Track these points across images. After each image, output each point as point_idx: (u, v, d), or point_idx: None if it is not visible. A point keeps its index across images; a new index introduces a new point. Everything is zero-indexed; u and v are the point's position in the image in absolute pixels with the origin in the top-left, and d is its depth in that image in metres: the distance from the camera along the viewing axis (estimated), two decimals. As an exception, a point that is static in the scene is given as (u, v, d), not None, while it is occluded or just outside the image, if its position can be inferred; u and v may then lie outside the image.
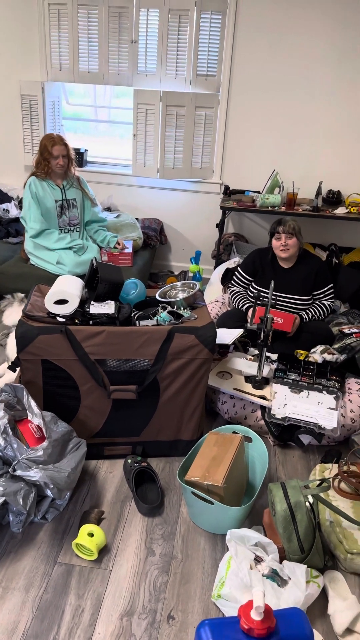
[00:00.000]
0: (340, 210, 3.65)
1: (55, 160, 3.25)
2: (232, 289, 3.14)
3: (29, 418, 1.97)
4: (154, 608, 1.66)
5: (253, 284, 3.04)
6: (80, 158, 4.18)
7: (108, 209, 4.22)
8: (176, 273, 4.47)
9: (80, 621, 1.61)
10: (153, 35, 3.79)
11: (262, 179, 3.99)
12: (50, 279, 3.22)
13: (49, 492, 1.84)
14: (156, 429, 2.26)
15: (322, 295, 2.95)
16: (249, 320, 2.83)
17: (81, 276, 2.71)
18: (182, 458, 2.27)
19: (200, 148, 4.03)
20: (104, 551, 1.84)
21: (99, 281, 2.21)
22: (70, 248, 3.38)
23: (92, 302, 2.19)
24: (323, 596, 1.71)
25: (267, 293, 2.93)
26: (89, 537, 1.80)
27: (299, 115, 3.86)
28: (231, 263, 3.76)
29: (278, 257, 2.94)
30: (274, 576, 1.66)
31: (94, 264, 2.28)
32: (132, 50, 3.85)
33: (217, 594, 1.65)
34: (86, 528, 1.83)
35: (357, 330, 2.88)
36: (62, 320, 2.07)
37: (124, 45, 3.85)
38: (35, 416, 1.93)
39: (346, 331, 2.90)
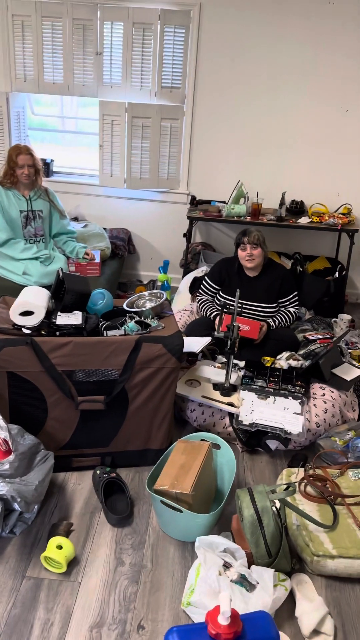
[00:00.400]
0: (304, 220, 3.75)
1: (21, 170, 3.23)
2: (200, 297, 3.18)
3: (-5, 431, 1.95)
4: (123, 618, 1.66)
5: (220, 292, 3.09)
6: (46, 168, 4.17)
7: (75, 219, 4.22)
8: (145, 282, 4.49)
9: (49, 635, 1.59)
10: (118, 48, 3.82)
11: (228, 189, 4.06)
12: (16, 289, 3.18)
13: (16, 506, 1.82)
14: (125, 439, 2.26)
15: (287, 303, 3.02)
16: (216, 328, 2.88)
17: (48, 287, 2.70)
18: (152, 467, 2.28)
19: (166, 159, 4.08)
20: (73, 563, 1.83)
21: (65, 292, 2.21)
22: (36, 258, 3.36)
23: (59, 313, 2.19)
24: (291, 599, 1.74)
25: (233, 301, 2.98)
26: (57, 549, 1.79)
27: (263, 126, 3.95)
28: (199, 272, 3.81)
29: (244, 267, 3.00)
30: (243, 581, 1.68)
31: (60, 274, 2.28)
32: (97, 61, 3.87)
33: (186, 602, 1.66)
34: (55, 541, 1.82)
35: (321, 337, 2.96)
36: (28, 331, 2.07)
37: (88, 57, 3.87)
38: (1, 429, 1.91)
39: (311, 337, 2.97)
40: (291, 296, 3.01)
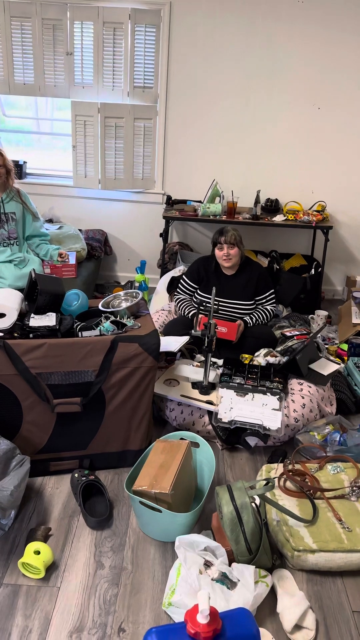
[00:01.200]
0: (279, 218, 3.77)
1: None
2: (178, 296, 3.17)
3: (-31, 437, 1.91)
4: (104, 622, 1.63)
5: (198, 291, 3.08)
6: (19, 170, 4.12)
7: (50, 221, 4.17)
8: (122, 283, 4.46)
9: (27, 643, 1.56)
10: (88, 48, 3.80)
11: (203, 188, 4.06)
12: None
13: (-9, 512, 1.78)
14: (104, 441, 2.23)
15: (264, 300, 3.03)
16: (194, 326, 2.87)
17: (23, 289, 2.66)
18: (131, 468, 2.26)
19: (140, 159, 4.06)
20: (51, 568, 1.80)
21: (38, 293, 2.18)
22: (10, 261, 3.31)
23: (32, 315, 2.15)
24: (272, 595, 1.74)
25: (210, 299, 2.98)
26: (35, 555, 1.75)
27: (236, 125, 3.96)
28: (176, 271, 3.80)
29: (221, 265, 3.00)
30: (224, 579, 1.67)
31: (33, 275, 2.25)
32: (67, 62, 3.84)
33: (167, 602, 1.64)
34: (32, 546, 1.78)
35: (298, 333, 2.97)
36: (0, 334, 2.03)
37: (59, 57, 3.84)
38: (-25, 434, 1.86)
39: (288, 334, 2.98)
40: (268, 294, 3.02)
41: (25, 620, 1.62)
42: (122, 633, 1.60)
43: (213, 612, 1.22)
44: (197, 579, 1.63)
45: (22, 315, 2.17)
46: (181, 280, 3.19)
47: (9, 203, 3.33)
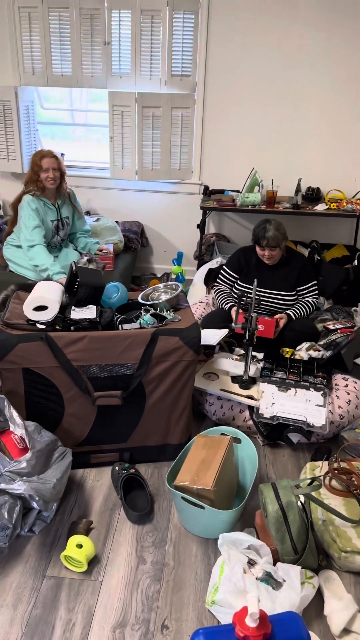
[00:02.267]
0: (320, 207, 3.65)
1: (45, 174, 3.12)
2: (218, 287, 3.11)
3: (11, 429, 1.92)
4: (147, 618, 1.62)
5: (238, 281, 3.02)
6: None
7: (87, 213, 4.18)
8: (159, 275, 4.43)
9: (71, 636, 1.56)
10: (126, 37, 3.75)
11: (241, 178, 3.97)
12: (29, 286, 3.15)
13: (34, 505, 1.79)
14: (143, 434, 2.22)
15: (305, 292, 2.94)
16: (233, 319, 2.81)
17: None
18: (171, 462, 2.24)
19: (178, 149, 4.01)
20: (93, 562, 1.80)
21: (79, 286, 2.17)
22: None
23: (73, 308, 2.14)
24: (319, 597, 1.68)
25: (251, 290, 2.91)
26: (77, 548, 1.75)
27: (276, 113, 3.85)
28: (214, 263, 3.74)
29: None
30: (268, 579, 1.63)
31: (74, 268, 2.24)
32: (105, 52, 3.81)
33: (211, 600, 1.61)
34: (74, 539, 1.78)
35: (341, 326, 2.88)
36: (42, 327, 2.03)
37: (97, 47, 3.81)
38: (18, 427, 1.87)
39: (331, 327, 2.89)
40: (310, 285, 2.93)
41: (69, 613, 1.62)
42: (166, 630, 1.58)
43: (263, 616, 1.18)
44: (242, 578, 1.60)
45: (63, 308, 2.16)
46: (221, 270, 3.13)
47: (64, 208, 3.32)
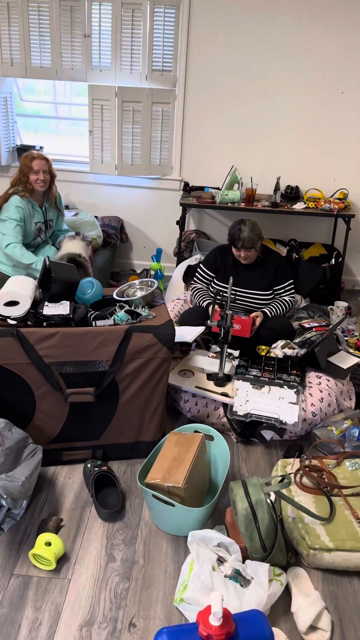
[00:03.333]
0: (299, 206, 3.67)
1: (35, 176, 3.05)
2: (195, 285, 3.11)
3: (-19, 426, 1.89)
4: (114, 616, 1.61)
5: (215, 280, 3.02)
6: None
7: (66, 207, 4.13)
8: (138, 271, 4.41)
9: (37, 635, 1.54)
10: (106, 30, 3.72)
11: (222, 175, 3.98)
12: (2, 280, 3.11)
13: (3, 502, 1.77)
14: (116, 432, 2.20)
15: (282, 291, 2.96)
16: (210, 317, 2.81)
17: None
18: (144, 460, 2.23)
19: (158, 144, 3.99)
20: (63, 560, 1.78)
21: (52, 281, 2.14)
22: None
23: (46, 303, 2.12)
24: (287, 594, 1.69)
25: (227, 289, 2.91)
26: (46, 546, 1.74)
27: (257, 110, 3.86)
28: (193, 260, 3.74)
29: None
30: (237, 576, 1.63)
31: (47, 262, 2.21)
32: (85, 44, 3.77)
33: (179, 598, 1.61)
34: (43, 537, 1.76)
35: (317, 325, 2.90)
36: (14, 322, 2.00)
37: (77, 40, 3.77)
38: (-13, 423, 1.85)
39: (306, 325, 2.91)
40: (286, 284, 2.95)
41: (35, 612, 1.61)
42: (133, 628, 1.58)
43: (226, 614, 1.18)
44: (210, 575, 1.60)
45: (36, 303, 2.13)
46: (198, 269, 3.13)
47: (49, 211, 3.27)
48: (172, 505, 1.79)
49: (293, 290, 2.98)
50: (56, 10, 3.68)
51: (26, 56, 3.83)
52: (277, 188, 3.66)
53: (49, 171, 3.09)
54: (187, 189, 3.90)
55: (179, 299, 3.32)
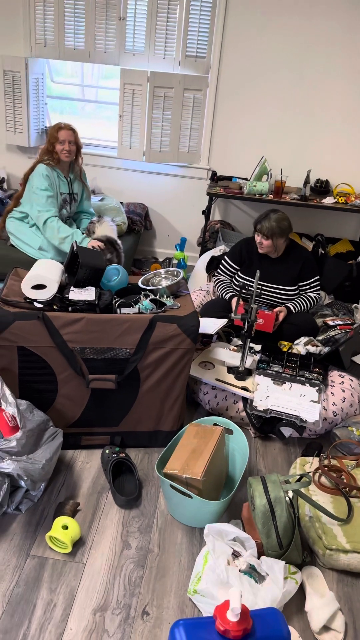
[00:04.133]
0: (328, 200, 3.61)
1: (61, 146, 3.07)
2: (218, 277, 3.08)
3: (3, 407, 1.90)
4: (128, 603, 1.62)
5: (239, 273, 2.99)
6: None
7: (92, 192, 4.12)
8: (160, 260, 4.39)
9: (51, 616, 1.56)
10: (142, 13, 3.66)
11: (250, 165, 3.92)
12: (29, 262, 3.12)
13: (22, 484, 1.78)
14: (135, 420, 2.21)
15: (307, 287, 2.92)
16: (233, 310, 2.79)
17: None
18: (162, 449, 2.24)
19: (187, 132, 3.94)
20: (78, 544, 1.80)
21: (79, 266, 2.13)
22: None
23: (72, 288, 2.12)
24: (300, 593, 1.69)
25: (252, 282, 2.88)
26: (63, 529, 1.75)
27: (290, 101, 3.79)
28: (217, 251, 3.70)
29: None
30: (252, 572, 1.63)
31: (75, 248, 2.21)
32: (119, 27, 3.72)
33: (193, 590, 1.62)
34: (60, 520, 1.78)
35: (341, 323, 2.86)
36: (40, 306, 2.00)
37: (111, 22, 3.72)
38: (9, 405, 1.86)
39: (330, 323, 2.87)
40: (312, 280, 2.91)
41: (50, 593, 1.62)
42: (146, 616, 1.59)
43: (244, 611, 1.18)
44: (225, 569, 1.59)
45: (62, 288, 2.13)
46: (222, 261, 3.10)
47: (75, 183, 3.27)
48: (190, 496, 1.79)
49: (319, 287, 2.94)
50: (92, -9, 3.64)
51: (60, 37, 3.80)
52: (307, 181, 3.60)
53: (74, 142, 3.12)
54: (215, 178, 3.86)
55: (201, 289, 3.30)
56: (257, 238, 2.80)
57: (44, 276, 2.03)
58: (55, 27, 3.78)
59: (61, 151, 3.08)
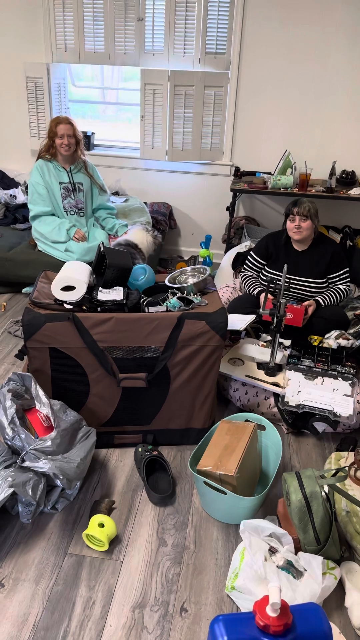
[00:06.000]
0: (355, 191, 3.55)
1: (60, 140, 3.15)
2: (244, 273, 3.06)
3: (37, 407, 1.94)
4: (166, 600, 1.63)
5: (266, 267, 2.96)
6: (87, 141, 4.10)
7: (116, 193, 4.15)
8: (186, 258, 4.40)
9: (91, 613, 1.58)
10: (160, 13, 3.67)
11: (274, 159, 3.88)
12: (58, 265, 3.17)
13: (58, 482, 1.81)
14: (167, 417, 2.21)
15: (337, 279, 2.87)
16: (261, 305, 2.77)
17: (90, 264, 2.66)
18: (194, 447, 2.24)
19: (209, 129, 3.93)
20: (115, 542, 1.81)
21: (106, 267, 2.15)
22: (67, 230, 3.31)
23: (100, 289, 2.13)
24: (340, 588, 1.67)
25: (280, 277, 2.86)
26: (99, 527, 1.77)
27: (312, 93, 3.73)
28: (242, 247, 3.68)
29: (292, 240, 2.86)
30: (289, 568, 1.62)
31: (102, 249, 2.22)
32: (138, 28, 3.74)
33: (230, 586, 1.61)
34: (97, 518, 1.80)
35: (372, 315, 2.80)
36: (70, 307, 2.02)
37: (130, 24, 3.74)
38: (44, 405, 1.89)
39: (362, 316, 2.82)
40: (342, 272, 2.86)
41: (89, 591, 1.64)
42: (185, 613, 1.59)
43: (284, 606, 1.17)
44: (263, 565, 1.58)
45: (90, 289, 2.15)
46: (248, 257, 3.08)
47: (77, 174, 3.32)
48: (224, 493, 1.79)
49: (348, 279, 2.89)
50: (110, -6, 3.66)
51: (80, 41, 3.84)
52: (332, 173, 3.54)
53: (73, 135, 3.17)
54: (238, 174, 3.83)
55: (227, 286, 3.28)
56: (294, 223, 2.76)
57: (73, 277, 2.05)
58: (75, 32, 3.82)
59: (61, 145, 3.16)
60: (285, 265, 2.40)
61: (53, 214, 3.33)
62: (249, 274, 3.04)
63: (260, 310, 2.48)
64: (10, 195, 4.02)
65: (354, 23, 3.51)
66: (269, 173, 3.78)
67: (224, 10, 3.61)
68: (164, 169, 4.15)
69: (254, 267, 3.02)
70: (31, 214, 3.32)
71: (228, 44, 3.71)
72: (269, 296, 2.67)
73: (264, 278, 2.95)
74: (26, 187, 4.14)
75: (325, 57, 3.62)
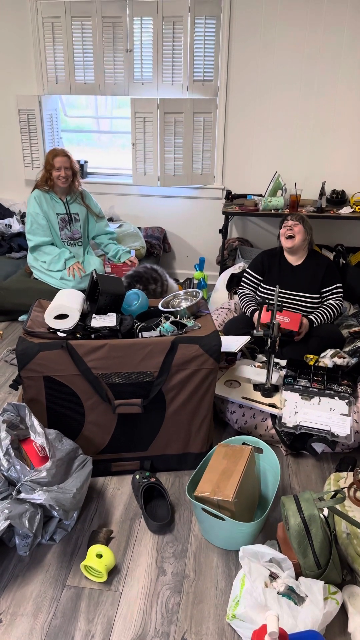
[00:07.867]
0: (345, 210, 3.59)
1: (57, 172, 3.20)
2: (242, 290, 3.08)
3: (32, 437, 1.93)
4: (166, 631, 1.60)
5: (262, 284, 2.99)
6: (81, 170, 4.15)
7: (110, 219, 4.20)
8: (181, 281, 4.42)
9: (90, 647, 1.55)
10: (148, 43, 3.77)
11: (264, 182, 3.94)
12: (53, 293, 3.18)
13: (55, 514, 1.79)
14: (164, 443, 2.20)
15: (329, 293, 2.88)
16: (255, 324, 2.78)
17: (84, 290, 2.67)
18: (192, 472, 2.22)
19: (200, 154, 3.99)
20: (113, 572, 1.79)
21: (99, 293, 2.17)
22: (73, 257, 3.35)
23: (94, 315, 2.15)
24: (342, 613, 1.64)
25: (273, 294, 2.87)
26: (97, 558, 1.75)
27: (299, 115, 3.81)
28: (236, 268, 3.71)
29: (285, 252, 2.90)
30: (291, 594, 1.59)
31: (94, 275, 2.24)
32: (127, 59, 3.83)
33: (231, 614, 1.58)
34: (94, 549, 1.77)
35: (367, 332, 2.81)
36: (63, 335, 2.03)
37: (119, 55, 3.83)
38: (38, 435, 1.88)
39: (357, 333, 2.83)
40: (334, 286, 2.87)
41: (88, 624, 1.61)
42: (185, 644, 1.56)
43: (282, 635, 1.15)
44: (263, 592, 1.56)
45: (84, 316, 2.17)
46: (244, 273, 3.10)
47: (73, 204, 3.37)
48: (223, 519, 1.77)
49: (341, 294, 2.90)
50: (99, 26, 3.76)
51: (70, 73, 3.93)
52: (322, 193, 3.59)
53: (70, 167, 3.22)
54: (230, 197, 3.89)
55: (223, 307, 3.30)
56: (287, 226, 2.85)
57: (66, 306, 2.07)
58: (65, 64, 3.91)
59: (57, 177, 3.21)
60: (277, 286, 2.42)
61: (52, 244, 3.36)
62: (246, 291, 3.05)
63: (254, 331, 2.49)
64: (6, 224, 4.06)
65: (338, 43, 3.60)
66: (260, 195, 3.83)
67: (210, 39, 3.70)
68: (157, 194, 4.21)
69: (251, 284, 3.04)
70: (30, 244, 3.33)
71: (215, 71, 3.79)
72: (265, 310, 2.65)
73: (259, 297, 2.96)
74: (21, 217, 4.19)
75: (310, 79, 3.71)
